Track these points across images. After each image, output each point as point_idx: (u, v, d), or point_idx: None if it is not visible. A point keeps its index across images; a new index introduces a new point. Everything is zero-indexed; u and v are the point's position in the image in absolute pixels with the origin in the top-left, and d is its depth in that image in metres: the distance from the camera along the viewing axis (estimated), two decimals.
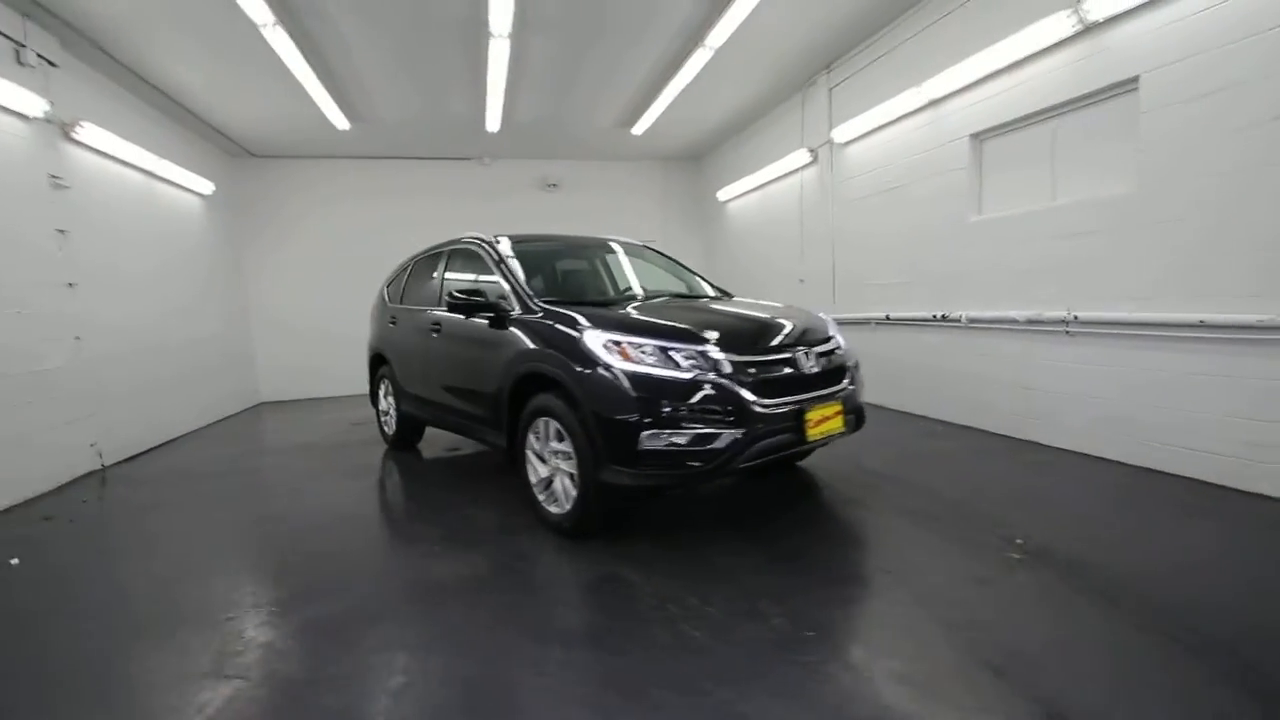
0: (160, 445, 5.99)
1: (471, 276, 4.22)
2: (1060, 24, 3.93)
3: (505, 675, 1.99)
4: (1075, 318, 4.09)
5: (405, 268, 5.32)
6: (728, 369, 2.83)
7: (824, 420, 3.00)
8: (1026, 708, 1.73)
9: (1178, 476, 3.56)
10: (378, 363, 5.51)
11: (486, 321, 3.61)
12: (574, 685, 1.92)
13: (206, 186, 7.18)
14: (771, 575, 2.65)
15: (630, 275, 4.40)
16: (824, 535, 3.11)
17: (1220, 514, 3.08)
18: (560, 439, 3.07)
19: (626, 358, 2.81)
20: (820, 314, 3.73)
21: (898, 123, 5.65)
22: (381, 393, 5.48)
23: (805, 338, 3.21)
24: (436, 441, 5.58)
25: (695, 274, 4.64)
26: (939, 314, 5.29)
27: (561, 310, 3.25)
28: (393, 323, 5.11)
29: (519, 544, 3.13)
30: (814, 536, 3.09)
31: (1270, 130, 3.11)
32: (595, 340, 2.91)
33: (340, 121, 7.00)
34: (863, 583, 2.61)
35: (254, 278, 8.78)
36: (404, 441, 5.28)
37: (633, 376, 2.76)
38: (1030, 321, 4.44)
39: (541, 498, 3.27)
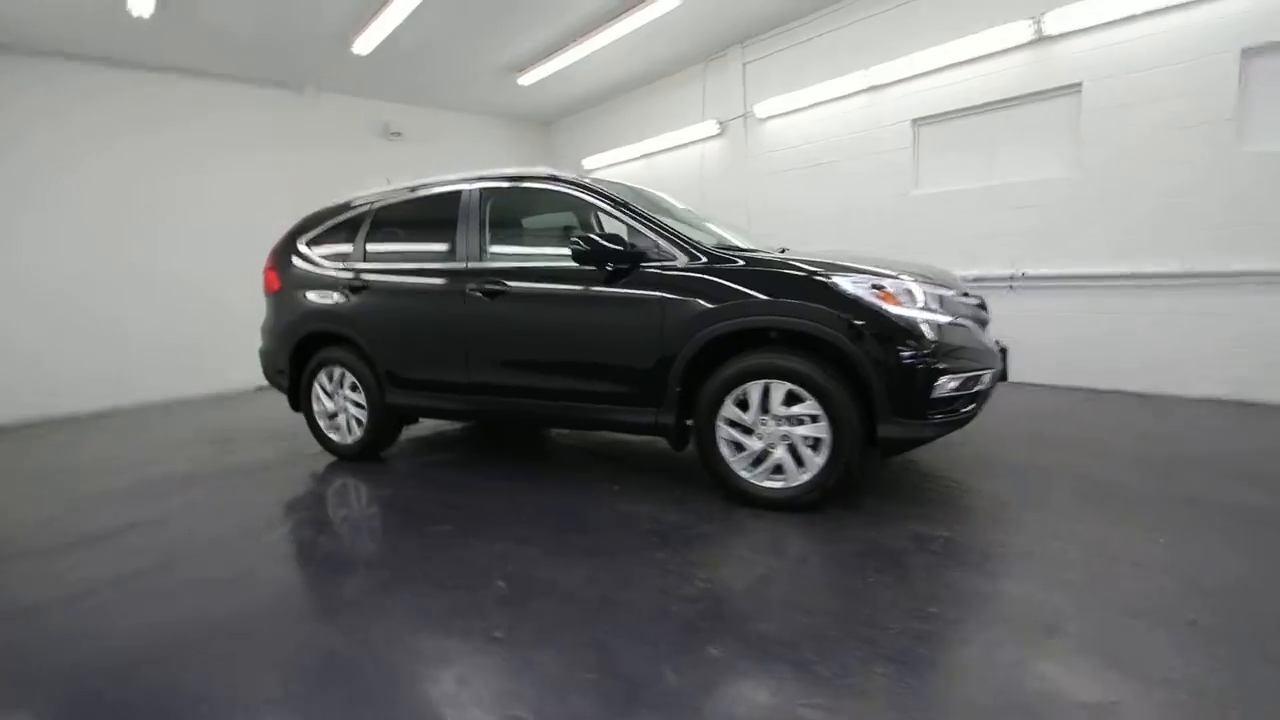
0: None
1: (543, 224, 3.40)
2: (1021, 31, 4.78)
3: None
4: (1023, 274, 5.10)
5: (355, 217, 3.97)
6: (967, 310, 2.85)
7: None
8: None
9: (1116, 391, 4.75)
10: (313, 346, 4.02)
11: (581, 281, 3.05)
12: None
13: None
14: (1054, 514, 2.76)
15: (702, 224, 4.00)
16: (990, 468, 3.33)
17: (1187, 411, 4.19)
18: (791, 402, 2.71)
19: (896, 303, 2.62)
20: None
21: (833, 103, 6.16)
22: (323, 388, 4.01)
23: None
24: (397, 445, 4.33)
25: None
26: None
27: (763, 258, 2.86)
28: (356, 290, 3.77)
29: (748, 527, 2.68)
30: (990, 470, 3.28)
31: (1177, 135, 4.30)
32: (858, 287, 2.64)
33: (142, 4, 4.75)
34: (1120, 497, 2.79)
35: None
36: (373, 449, 3.96)
37: (916, 322, 2.58)
38: (978, 279, 5.35)
39: (748, 475, 2.84)
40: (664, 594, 2.17)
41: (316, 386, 4.02)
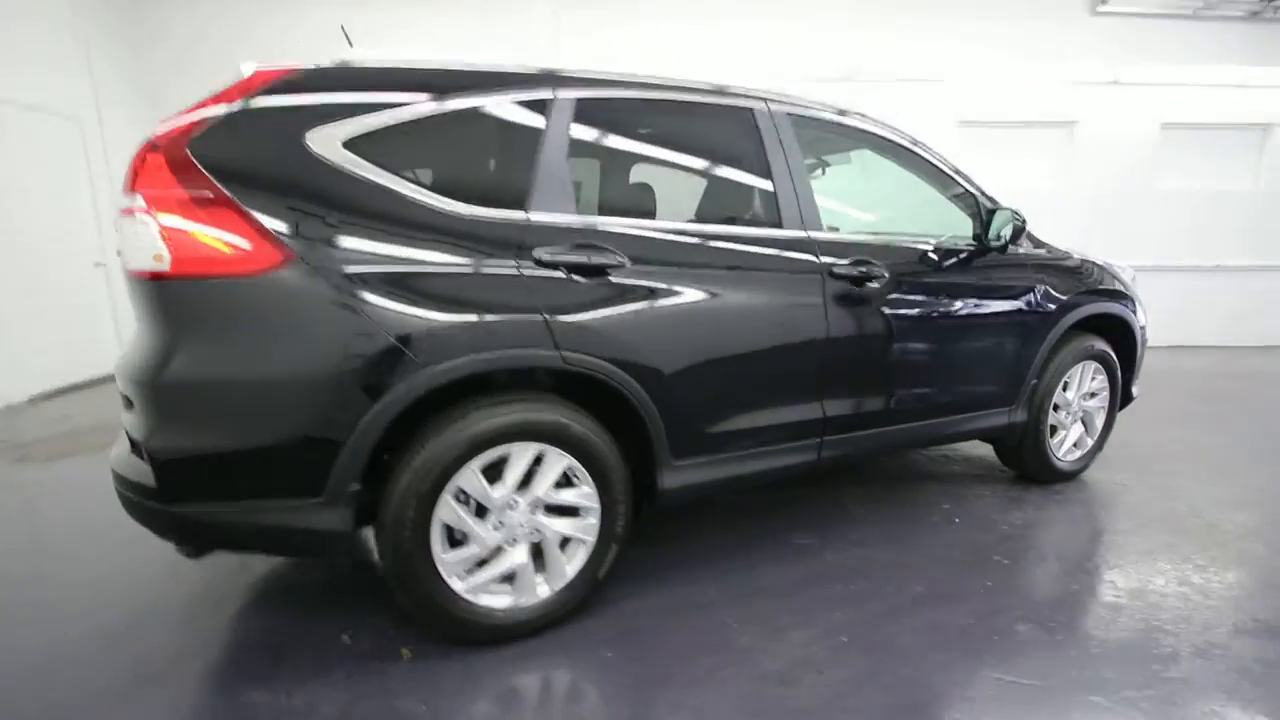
0: None
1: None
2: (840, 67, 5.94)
3: None
4: None
5: (518, 110, 1.83)
6: None
7: None
8: None
9: None
10: (428, 411, 1.66)
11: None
12: None
13: None
14: None
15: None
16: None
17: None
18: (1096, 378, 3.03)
19: None
20: None
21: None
22: (467, 502, 1.70)
23: None
24: None
25: None
26: None
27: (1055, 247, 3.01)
28: (587, 273, 1.78)
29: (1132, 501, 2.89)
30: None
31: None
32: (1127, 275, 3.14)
33: None
34: None
35: None
36: (583, 597, 1.92)
37: None
38: None
39: (1057, 455, 2.99)
40: None
41: (450, 504, 1.68)
